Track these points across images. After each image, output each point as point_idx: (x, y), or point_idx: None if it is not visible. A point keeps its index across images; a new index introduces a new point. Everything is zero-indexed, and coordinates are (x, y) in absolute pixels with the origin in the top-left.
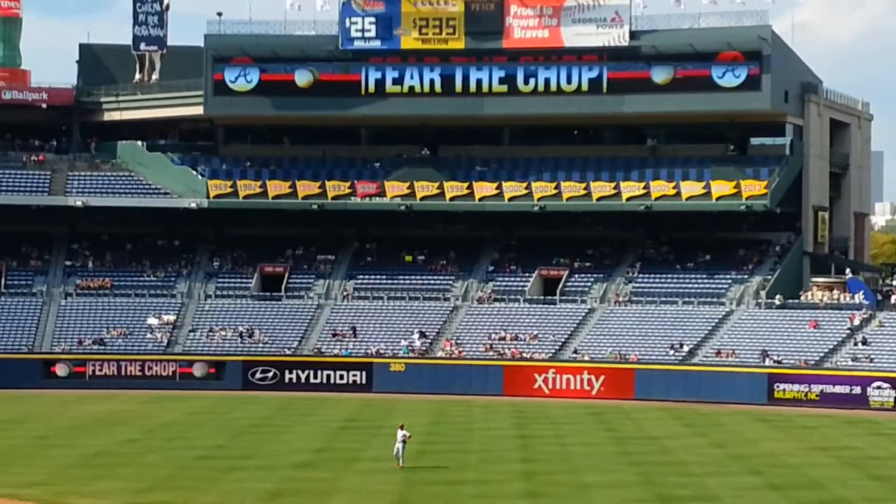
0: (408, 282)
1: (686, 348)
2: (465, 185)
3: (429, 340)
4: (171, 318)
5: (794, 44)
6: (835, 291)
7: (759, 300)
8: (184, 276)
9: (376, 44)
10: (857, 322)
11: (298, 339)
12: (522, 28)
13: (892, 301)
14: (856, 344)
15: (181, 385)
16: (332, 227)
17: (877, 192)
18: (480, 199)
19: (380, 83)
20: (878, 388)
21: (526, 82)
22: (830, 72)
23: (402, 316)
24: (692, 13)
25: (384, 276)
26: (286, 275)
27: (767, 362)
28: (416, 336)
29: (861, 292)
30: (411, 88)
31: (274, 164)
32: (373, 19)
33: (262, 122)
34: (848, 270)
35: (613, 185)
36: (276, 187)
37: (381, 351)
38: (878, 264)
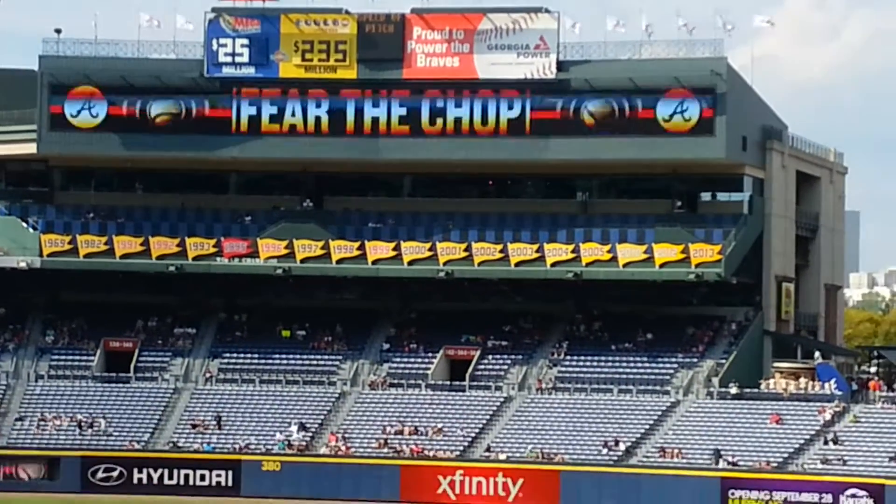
0: (285, 362)
1: (622, 446)
2: (356, 244)
3: (310, 434)
4: None
5: (755, 81)
6: (801, 379)
7: (711, 389)
8: (9, 352)
9: (250, 71)
10: (827, 416)
11: (150, 430)
12: (427, 55)
13: (871, 392)
14: (826, 443)
15: (3, 486)
16: (193, 295)
17: (852, 261)
18: (374, 263)
19: (254, 119)
20: (853, 496)
21: (431, 121)
22: (798, 115)
23: (277, 404)
24: (633, 41)
25: (256, 355)
26: (136, 352)
27: (721, 464)
28: (294, 428)
29: (832, 381)
30: (292, 126)
31: (122, 215)
32: (245, 41)
33: (109, 164)
34: (817, 354)
35: (536, 247)
36: (125, 244)
37: (252, 446)
38: (853, 347)
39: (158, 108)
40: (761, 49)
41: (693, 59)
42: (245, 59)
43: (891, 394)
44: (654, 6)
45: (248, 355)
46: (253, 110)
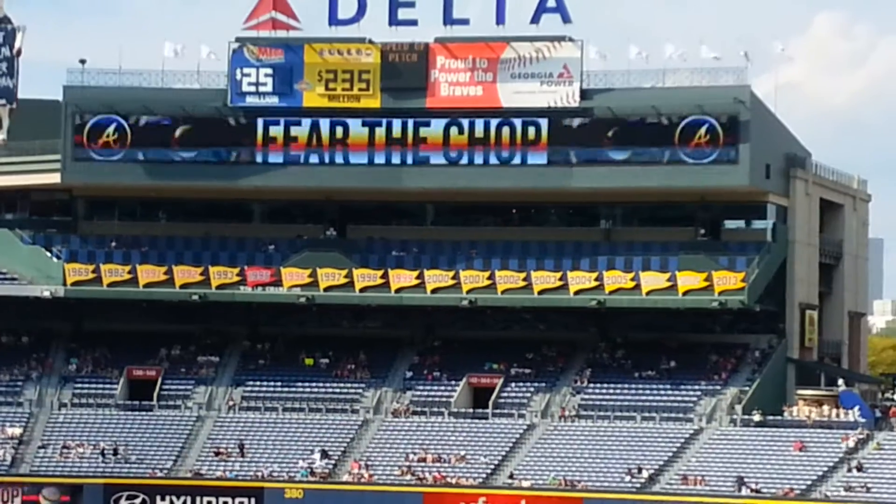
0: (308, 390)
1: (646, 473)
2: (380, 273)
3: (333, 461)
4: (17, 430)
5: (778, 109)
6: (825, 407)
7: (734, 416)
8: (33, 381)
9: (273, 100)
10: (851, 444)
11: (173, 458)
12: (451, 84)
13: (895, 419)
14: (850, 470)
15: None
16: (217, 323)
17: (876, 288)
18: (397, 291)
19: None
20: None
21: (454, 151)
22: (821, 143)
23: (300, 431)
24: (656, 69)
25: (279, 383)
26: (159, 380)
27: (744, 491)
28: (317, 455)
29: (856, 408)
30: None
31: (146, 244)
32: (269, 70)
33: (133, 193)
34: (841, 381)
35: (559, 275)
36: (148, 273)
37: (275, 473)
38: (877, 374)
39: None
40: (785, 77)
41: (716, 88)
42: (268, 88)
43: None
44: (677, 34)
45: (272, 383)
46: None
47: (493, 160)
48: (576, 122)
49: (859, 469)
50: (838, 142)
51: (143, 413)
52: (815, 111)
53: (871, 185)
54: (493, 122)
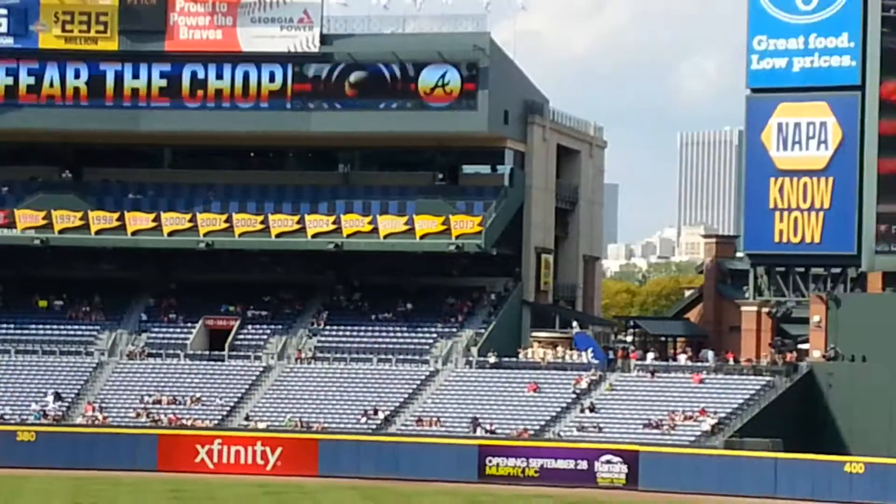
0: (41, 332)
1: (381, 415)
2: (116, 215)
3: (66, 404)
4: None
5: (518, 56)
6: (559, 349)
7: (470, 358)
8: None
9: (9, 41)
10: (584, 385)
11: None
12: (190, 28)
13: (630, 360)
14: (582, 411)
15: None
16: None
17: (610, 233)
18: (134, 234)
19: (10, 89)
20: (608, 462)
21: (192, 92)
22: (560, 91)
23: (33, 374)
24: (397, 15)
25: (12, 325)
26: None
27: (479, 432)
28: (50, 398)
29: (590, 350)
30: (50, 97)
31: None
32: (4, 11)
33: None
34: (575, 324)
35: (297, 218)
36: None
37: (6, 416)
38: (610, 317)
39: None
40: (525, 25)
41: (456, 34)
42: (3, 28)
43: (646, 362)
44: None
45: (4, 325)
46: (10, 80)
47: (232, 104)
48: (315, 66)
49: (592, 409)
50: (576, 89)
51: None
52: (554, 59)
53: (608, 132)
54: (233, 67)
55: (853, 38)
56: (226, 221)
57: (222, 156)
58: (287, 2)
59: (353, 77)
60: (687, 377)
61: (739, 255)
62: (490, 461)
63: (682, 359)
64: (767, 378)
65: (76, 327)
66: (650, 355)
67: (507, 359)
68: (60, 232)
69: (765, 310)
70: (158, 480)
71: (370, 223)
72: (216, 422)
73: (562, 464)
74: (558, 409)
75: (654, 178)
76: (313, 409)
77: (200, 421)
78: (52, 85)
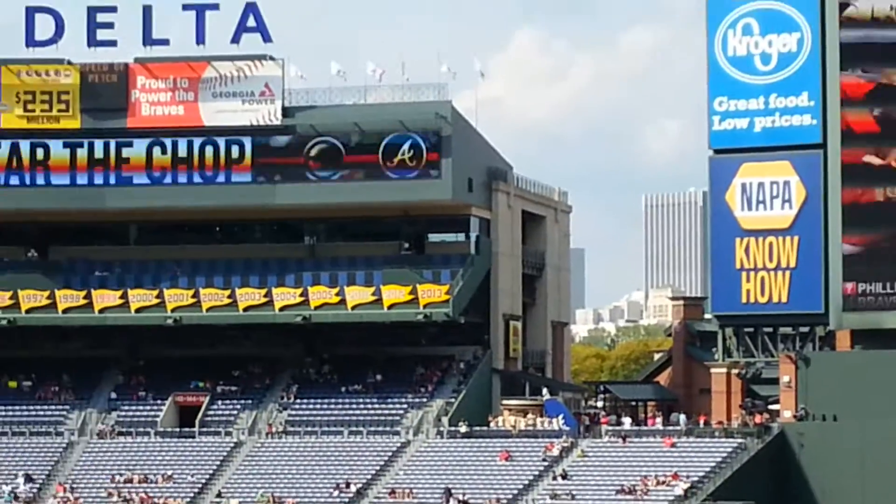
0: (10, 413)
1: (354, 488)
2: (82, 293)
3: (37, 485)
4: None
5: (480, 124)
6: (530, 416)
7: (441, 428)
8: None
9: None
10: (555, 452)
11: None
12: (152, 104)
13: (601, 425)
14: (555, 478)
15: None
16: None
17: (577, 298)
18: (101, 311)
19: None
20: None
21: (156, 169)
22: (523, 157)
23: (2, 455)
24: (358, 86)
25: None
26: None
27: (452, 502)
28: (20, 480)
29: (560, 416)
30: (13, 176)
31: None
32: None
33: None
34: (545, 390)
35: (264, 291)
36: None
37: None
38: (580, 383)
39: None
40: (487, 92)
41: (417, 104)
42: None
43: (617, 427)
44: (379, 52)
45: None
46: None
47: (196, 179)
48: (278, 139)
49: (564, 477)
50: (539, 155)
51: None
52: (516, 125)
53: (572, 197)
54: (196, 142)
55: (813, 96)
56: (193, 297)
57: (188, 231)
58: (248, 76)
59: (315, 149)
60: (659, 441)
61: (707, 316)
62: None
63: (658, 423)
64: (739, 440)
65: (45, 407)
66: (626, 420)
67: (477, 428)
68: (27, 311)
69: (734, 371)
70: None
71: (337, 294)
72: (188, 499)
73: None
74: (531, 478)
75: (620, 242)
76: (285, 484)
77: (172, 499)
78: (15, 164)
